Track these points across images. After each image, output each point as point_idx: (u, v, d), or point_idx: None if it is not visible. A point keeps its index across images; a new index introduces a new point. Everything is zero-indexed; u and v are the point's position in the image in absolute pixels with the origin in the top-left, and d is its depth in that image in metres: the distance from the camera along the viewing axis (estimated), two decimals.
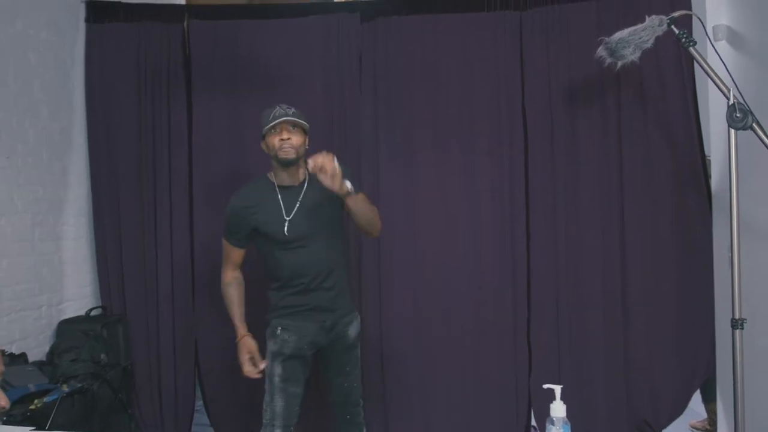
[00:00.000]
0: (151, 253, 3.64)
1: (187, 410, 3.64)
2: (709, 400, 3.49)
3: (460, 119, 3.47)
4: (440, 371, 3.46)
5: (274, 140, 2.48)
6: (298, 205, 2.51)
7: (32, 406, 2.72)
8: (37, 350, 3.29)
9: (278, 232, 2.49)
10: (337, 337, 2.62)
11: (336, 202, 2.48)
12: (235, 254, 2.65)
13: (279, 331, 2.54)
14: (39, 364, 3.14)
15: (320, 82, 3.56)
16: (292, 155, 2.48)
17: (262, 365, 2.56)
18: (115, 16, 3.68)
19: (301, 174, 2.58)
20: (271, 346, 2.56)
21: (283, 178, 2.56)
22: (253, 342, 2.62)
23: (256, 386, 3.55)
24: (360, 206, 2.49)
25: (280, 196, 2.53)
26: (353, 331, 2.67)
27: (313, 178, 2.42)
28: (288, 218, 2.49)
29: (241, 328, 2.64)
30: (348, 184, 2.35)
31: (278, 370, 2.53)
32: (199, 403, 3.73)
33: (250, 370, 2.58)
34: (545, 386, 1.47)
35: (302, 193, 2.55)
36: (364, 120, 3.53)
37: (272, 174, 2.59)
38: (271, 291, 2.63)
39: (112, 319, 3.55)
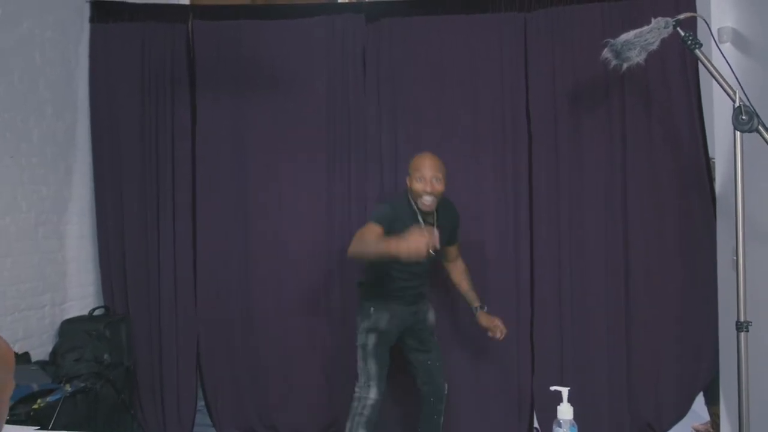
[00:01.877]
0: (154, 253, 3.64)
1: (189, 410, 3.64)
2: (712, 403, 3.48)
3: (463, 120, 3.47)
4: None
5: (419, 189, 2.78)
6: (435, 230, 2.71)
7: (35, 406, 2.71)
8: (40, 350, 3.28)
9: None
10: (419, 320, 3.01)
11: (451, 231, 2.99)
12: (375, 229, 2.70)
13: (372, 311, 2.92)
14: (42, 364, 3.14)
15: (324, 83, 3.56)
16: (431, 209, 2.82)
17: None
18: (120, 16, 3.68)
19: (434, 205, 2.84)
20: (365, 323, 2.93)
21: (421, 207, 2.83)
22: None
23: (258, 386, 3.58)
24: None
25: (421, 220, 2.82)
26: (431, 317, 3.09)
27: (440, 208, 2.87)
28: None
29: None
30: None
31: (372, 340, 2.91)
32: (201, 404, 3.73)
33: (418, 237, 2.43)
34: (553, 388, 1.47)
35: (436, 219, 2.88)
36: (368, 120, 3.53)
37: (411, 198, 2.86)
38: (366, 283, 3.03)
39: (115, 318, 3.55)
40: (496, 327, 2.97)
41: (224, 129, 3.62)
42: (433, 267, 3.04)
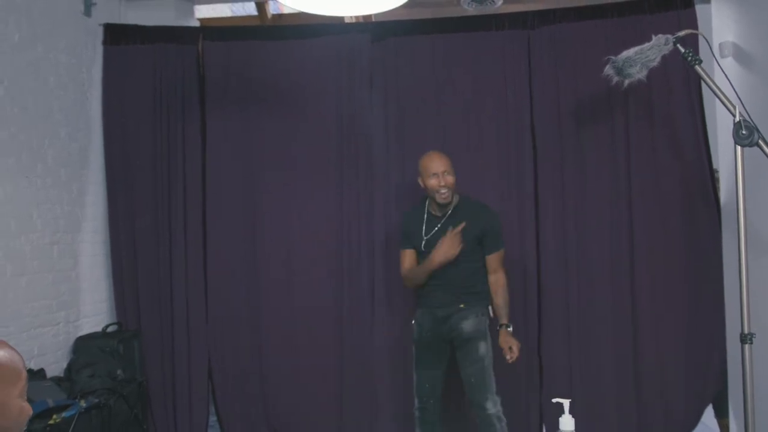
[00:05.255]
0: (166, 270, 3.68)
1: (201, 425, 3.66)
2: (721, 415, 3.47)
3: (469, 137, 3.51)
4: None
5: (434, 185, 2.98)
6: (436, 229, 3.03)
7: (51, 421, 2.76)
8: (55, 366, 3.33)
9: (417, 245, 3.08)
10: (451, 329, 2.98)
11: (481, 235, 3.00)
12: (406, 255, 3.12)
13: (413, 322, 3.09)
14: (57, 380, 3.18)
15: (332, 101, 3.62)
16: (448, 199, 2.99)
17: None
18: (132, 38, 3.75)
19: (449, 208, 3.04)
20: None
21: (434, 207, 3.07)
22: None
23: (270, 400, 3.61)
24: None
25: (425, 216, 3.08)
26: (469, 325, 2.95)
27: (463, 208, 3.02)
28: (426, 237, 3.04)
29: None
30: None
31: (414, 351, 3.07)
32: (213, 419, 3.76)
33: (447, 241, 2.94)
34: (554, 400, 1.49)
35: (451, 217, 3.02)
36: (375, 137, 3.57)
37: (428, 198, 3.09)
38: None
39: (128, 334, 3.60)
40: (509, 349, 2.86)
41: (234, 148, 3.68)
42: (472, 272, 3.01)
